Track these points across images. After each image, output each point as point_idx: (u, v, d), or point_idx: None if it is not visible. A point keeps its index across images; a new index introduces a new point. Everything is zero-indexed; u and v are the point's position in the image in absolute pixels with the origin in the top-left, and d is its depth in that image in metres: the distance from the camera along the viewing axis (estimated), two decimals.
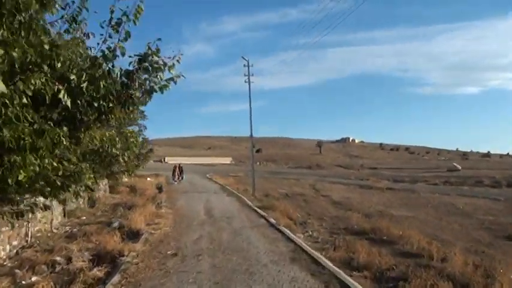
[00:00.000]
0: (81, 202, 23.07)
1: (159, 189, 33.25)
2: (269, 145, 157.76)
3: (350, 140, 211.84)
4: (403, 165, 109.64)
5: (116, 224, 17.70)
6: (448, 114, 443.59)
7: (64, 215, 20.02)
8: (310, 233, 15.60)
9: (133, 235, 15.16)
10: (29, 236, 15.41)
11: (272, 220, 17.37)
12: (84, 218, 20.45)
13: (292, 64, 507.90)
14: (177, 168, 38.97)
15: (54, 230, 16.96)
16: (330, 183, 44.56)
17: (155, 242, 13.46)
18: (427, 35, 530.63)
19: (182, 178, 39.11)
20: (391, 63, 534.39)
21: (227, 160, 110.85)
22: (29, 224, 15.39)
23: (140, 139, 31.44)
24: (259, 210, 20.76)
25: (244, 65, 31.30)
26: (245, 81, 31.33)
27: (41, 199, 9.21)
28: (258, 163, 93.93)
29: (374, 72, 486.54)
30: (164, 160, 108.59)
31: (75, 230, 17.26)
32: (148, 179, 44.98)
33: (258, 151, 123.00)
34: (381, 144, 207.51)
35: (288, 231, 14.89)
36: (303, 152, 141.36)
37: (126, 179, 44.64)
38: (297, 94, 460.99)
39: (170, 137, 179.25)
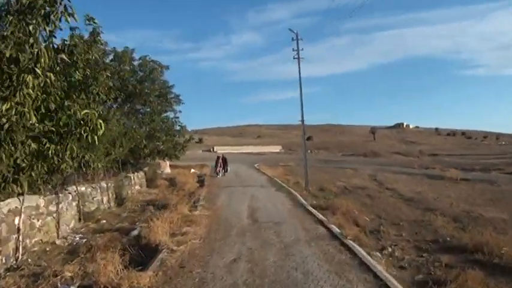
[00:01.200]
0: (104, 200, 19.56)
1: (201, 182, 29.55)
2: (320, 133, 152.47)
3: (404, 126, 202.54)
4: (465, 151, 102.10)
5: (135, 232, 13.96)
6: (503, 96, 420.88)
7: (80, 219, 16.48)
8: (390, 250, 11.13)
9: (148, 252, 11.29)
10: (20, 252, 11.84)
11: (334, 228, 13.02)
12: (104, 221, 16.84)
13: (341, 49, 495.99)
14: (220, 160, 34.56)
15: (57, 242, 13.34)
16: (392, 174, 39.47)
17: (173, 268, 9.45)
18: (479, 14, 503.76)
19: (226, 171, 35.20)
20: (443, 45, 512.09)
21: (276, 148, 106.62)
22: (20, 235, 11.82)
23: (177, 127, 27.84)
24: (315, 212, 16.44)
25: (293, 39, 26.86)
26: (294, 58, 26.89)
27: None
28: (309, 151, 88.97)
29: (426, 55, 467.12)
30: (213, 150, 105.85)
31: (84, 240, 13.60)
32: (193, 170, 41.50)
33: (308, 139, 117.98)
34: (436, 129, 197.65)
35: (360, 249, 10.48)
36: (356, 139, 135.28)
37: (168, 170, 41.52)
38: (347, 80, 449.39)
39: (220, 126, 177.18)
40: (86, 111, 10.13)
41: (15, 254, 11.59)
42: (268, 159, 64.78)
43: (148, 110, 25.47)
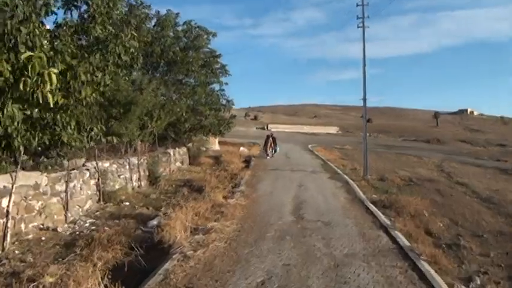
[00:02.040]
0: (134, 178, 17.32)
1: (247, 163, 26.94)
2: (380, 115, 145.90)
3: (468, 112, 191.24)
4: None
5: (154, 222, 11.51)
6: None
7: (99, 199, 14.25)
8: (479, 282, 7.91)
9: (158, 254, 8.79)
10: (8, 240, 9.67)
11: (401, 238, 9.86)
12: (127, 203, 14.56)
13: (405, 29, 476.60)
14: (270, 139, 30.58)
15: (60, 228, 11.06)
16: (460, 164, 35.12)
17: (178, 285, 6.84)
18: None
19: (275, 151, 31.26)
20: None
21: (333, 130, 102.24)
22: (8, 220, 9.61)
23: (223, 101, 25.18)
24: (375, 211, 13.30)
25: (358, 4, 23.29)
26: (358, 26, 23.38)
27: None
28: (368, 134, 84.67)
29: (494, 39, 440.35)
30: (267, 127, 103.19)
31: (92, 228, 11.28)
32: (242, 148, 38.98)
33: (368, 121, 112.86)
34: (501, 117, 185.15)
35: (440, 281, 7.35)
36: (418, 124, 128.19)
37: (216, 147, 39.20)
38: (409, 62, 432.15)
39: (276, 104, 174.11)
40: (28, 53, 7.45)
41: (3, 242, 9.44)
42: (323, 141, 61.23)
43: (192, 81, 23.01)
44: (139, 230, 11.00)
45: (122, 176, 16.42)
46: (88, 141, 11.09)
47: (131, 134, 17.80)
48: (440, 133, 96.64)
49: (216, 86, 25.05)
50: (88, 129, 10.96)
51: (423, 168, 30.23)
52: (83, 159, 14.43)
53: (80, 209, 12.86)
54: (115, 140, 17.26)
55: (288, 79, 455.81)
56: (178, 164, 24.49)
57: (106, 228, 10.78)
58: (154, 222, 11.46)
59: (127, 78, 17.82)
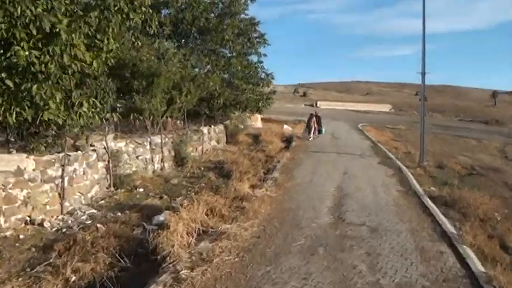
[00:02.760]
0: (156, 160, 15.40)
1: (288, 142, 24.54)
2: (435, 94, 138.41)
3: None
4: None
5: (160, 218, 9.44)
6: None
7: (110, 185, 12.38)
8: None
9: (148, 267, 6.76)
10: None
11: (474, 260, 7.23)
12: (141, 190, 12.62)
13: (462, 3, 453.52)
14: (313, 119, 26.80)
15: (46, 223, 9.16)
16: None
17: None
18: None
19: (320, 132, 27.29)
20: None
21: (385, 108, 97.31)
22: None
23: (262, 74, 22.73)
24: (436, 211, 10.57)
25: None
26: None
27: None
28: None
29: None
30: (316, 105, 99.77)
31: (86, 223, 9.35)
32: (286, 126, 36.47)
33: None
34: None
35: None
36: (474, 104, 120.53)
37: (259, 124, 36.95)
38: (466, 38, 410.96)
39: (327, 81, 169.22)
40: None
41: None
42: (375, 119, 57.62)
43: (227, 51, 20.68)
44: (140, 227, 8.96)
45: (140, 157, 14.48)
46: (77, 119, 9.08)
47: (155, 109, 15.83)
48: (499, 113, 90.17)
49: (254, 58, 22.76)
50: (77, 104, 8.92)
51: (484, 154, 26.82)
52: (94, 138, 12.56)
53: (82, 197, 10.99)
54: (131, 117, 15.41)
55: (340, 55, 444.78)
56: (213, 142, 22.44)
57: (98, 225, 8.79)
58: (161, 218, 9.37)
59: (149, 47, 15.77)
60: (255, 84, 22.08)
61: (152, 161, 15.14)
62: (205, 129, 21.09)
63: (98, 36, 10.03)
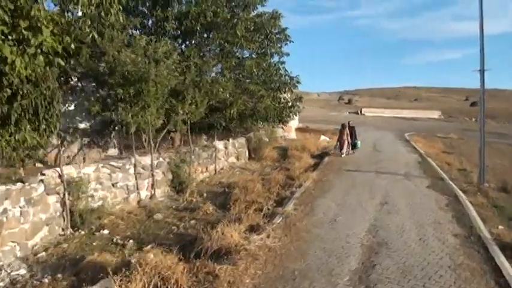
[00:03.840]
0: (144, 186, 12.29)
1: (320, 158, 20.83)
2: (487, 98, 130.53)
3: None
4: None
5: None
6: None
7: (68, 225, 9.30)
8: None
9: None
10: None
11: None
12: (106, 232, 9.41)
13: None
14: (346, 131, 21.60)
15: None
16: None
17: None
18: None
19: (354, 147, 22.40)
20: None
21: (435, 114, 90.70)
22: None
23: (285, 78, 19.10)
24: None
25: None
26: None
27: None
28: (473, 119, 73.70)
29: None
30: (361, 112, 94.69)
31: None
32: (323, 137, 32.69)
33: (473, 104, 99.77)
34: None
35: None
36: None
37: (292, 135, 33.31)
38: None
39: (373, 87, 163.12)
40: None
41: None
42: (423, 127, 52.54)
43: (242, 51, 17.13)
44: None
45: (119, 185, 11.32)
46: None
47: (144, 123, 12.70)
48: None
49: (275, 58, 18.88)
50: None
51: None
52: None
53: (18, 248, 7.96)
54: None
55: (387, 61, 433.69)
56: (232, 159, 19.09)
57: None
58: None
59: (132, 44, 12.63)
60: (275, 89, 18.45)
61: (137, 188, 11.94)
62: (220, 144, 17.78)
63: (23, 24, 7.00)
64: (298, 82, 18.73)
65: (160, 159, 13.09)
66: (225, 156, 18.39)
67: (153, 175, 12.49)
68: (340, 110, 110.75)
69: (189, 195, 13.01)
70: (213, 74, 15.46)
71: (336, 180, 14.98)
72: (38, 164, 15.23)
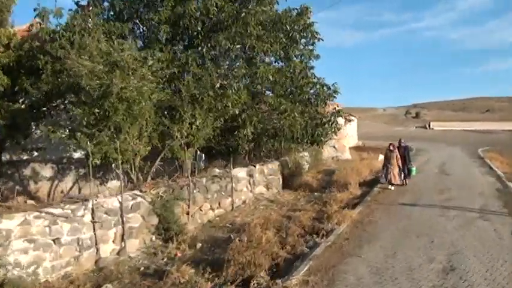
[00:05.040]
0: (110, 236, 8.86)
1: (371, 185, 16.39)
2: None
3: None
4: None
5: None
6: None
7: None
8: None
9: None
10: None
11: None
12: None
13: None
14: (395, 154, 15.82)
15: None
16: None
17: None
18: None
19: (409, 173, 16.45)
20: None
21: (510, 126, 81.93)
22: None
23: (315, 88, 14.93)
24: None
25: None
26: None
27: None
28: None
29: None
30: (429, 126, 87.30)
31: None
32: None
33: None
34: None
35: None
36: None
37: (347, 155, 28.88)
38: None
39: (441, 100, 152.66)
40: None
41: None
42: (498, 141, 45.57)
43: (263, 57, 13.16)
44: None
45: (64, 240, 7.92)
46: None
47: (113, 152, 9.42)
48: None
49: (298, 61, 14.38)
50: None
51: None
52: None
53: None
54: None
55: (454, 72, 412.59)
56: (259, 189, 15.34)
57: None
58: None
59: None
60: (304, 102, 14.35)
61: (96, 242, 8.48)
62: (241, 172, 14.08)
63: None
64: (335, 92, 14.43)
65: (139, 199, 9.58)
66: (249, 186, 14.65)
67: (123, 222, 8.99)
68: (406, 124, 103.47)
69: (177, 246, 9.43)
70: (218, 85, 11.76)
71: (382, 221, 10.62)
72: (29, 201, 12.48)
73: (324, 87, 14.32)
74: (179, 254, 9.00)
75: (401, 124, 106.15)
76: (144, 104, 9.61)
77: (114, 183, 13.86)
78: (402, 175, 16.10)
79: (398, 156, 15.85)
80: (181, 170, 13.64)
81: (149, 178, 11.15)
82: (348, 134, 40.43)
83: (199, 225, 11.38)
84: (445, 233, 9.32)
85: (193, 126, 11.31)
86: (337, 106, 29.29)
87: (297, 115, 12.90)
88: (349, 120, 41.45)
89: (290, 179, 17.10)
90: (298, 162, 17.60)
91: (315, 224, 10.29)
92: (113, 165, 10.49)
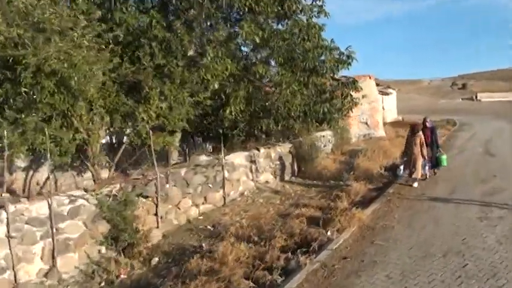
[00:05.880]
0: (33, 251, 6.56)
1: (389, 176, 13.39)
2: None
3: None
4: None
5: None
6: None
7: None
8: None
9: None
10: None
11: None
12: None
13: None
14: (419, 138, 11.86)
15: None
16: None
17: None
18: None
19: (438, 164, 12.57)
20: None
21: None
22: None
23: (326, 54, 12.00)
24: None
25: None
26: None
27: None
28: None
29: None
30: (476, 97, 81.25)
31: None
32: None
33: None
34: None
35: None
36: None
37: (380, 132, 25.81)
38: None
39: (490, 70, 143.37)
40: None
41: None
42: None
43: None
44: None
45: None
46: None
47: (37, 142, 7.32)
48: None
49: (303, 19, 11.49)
50: None
51: None
52: None
53: None
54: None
55: (505, 41, 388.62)
56: (265, 176, 12.98)
57: None
58: None
59: None
60: (309, 72, 11.26)
61: (13, 262, 6.43)
62: (239, 158, 11.74)
63: None
64: (349, 58, 11.42)
65: (79, 201, 7.43)
66: (250, 174, 12.28)
67: (53, 233, 6.89)
68: (452, 96, 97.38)
69: (126, 262, 7.28)
70: (192, 52, 9.25)
71: (400, 227, 7.94)
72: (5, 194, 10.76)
73: (332, 52, 11.29)
74: (123, 275, 6.86)
75: (446, 96, 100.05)
76: (84, 79, 7.35)
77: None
78: (429, 165, 12.33)
79: (423, 140, 11.85)
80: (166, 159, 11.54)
81: (111, 171, 9.02)
82: (386, 108, 37.17)
83: (174, 227, 9.18)
84: (484, 249, 6.63)
85: (163, 105, 9.02)
86: (370, 78, 26.21)
87: (296, 88, 10.18)
88: (386, 94, 38.04)
89: (304, 164, 14.61)
90: (314, 143, 14.99)
91: (310, 231, 7.81)
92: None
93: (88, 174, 12.44)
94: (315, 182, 13.23)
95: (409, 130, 12.47)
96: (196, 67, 9.07)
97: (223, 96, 9.56)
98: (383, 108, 35.45)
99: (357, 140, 22.58)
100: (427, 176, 12.29)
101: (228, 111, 9.43)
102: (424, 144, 11.82)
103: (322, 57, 11.18)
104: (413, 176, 11.68)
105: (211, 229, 9.00)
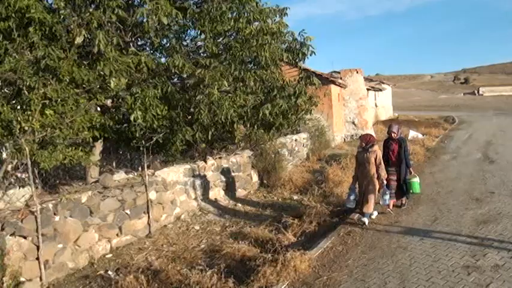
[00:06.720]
0: None
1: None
2: None
3: None
4: None
5: None
6: None
7: None
8: None
9: None
10: None
11: None
12: None
13: None
14: (374, 154, 8.11)
15: None
16: None
17: None
18: None
19: (405, 192, 8.98)
20: None
21: None
22: None
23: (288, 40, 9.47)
24: None
25: None
26: None
27: None
28: None
29: None
30: (478, 92, 78.30)
31: None
32: (413, 132, 22.41)
33: None
34: None
35: None
36: None
37: (370, 131, 23.47)
38: None
39: (493, 64, 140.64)
40: None
41: None
42: None
43: None
44: None
45: None
46: None
47: None
48: None
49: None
50: None
51: None
52: None
53: None
54: None
55: (509, 33, 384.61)
56: (214, 193, 10.72)
57: None
58: None
59: None
60: (250, 64, 8.92)
61: None
62: (173, 173, 9.44)
63: None
64: (303, 47, 8.91)
65: None
66: (191, 192, 9.98)
67: None
68: (453, 91, 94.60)
69: None
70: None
71: (350, 285, 5.66)
72: None
73: (274, 36, 8.79)
74: None
75: (447, 91, 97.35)
76: None
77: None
78: (388, 194, 8.37)
79: (380, 158, 8.32)
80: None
81: None
82: (379, 106, 34.82)
83: (68, 274, 6.91)
84: None
85: (49, 112, 6.76)
86: (357, 72, 23.84)
87: (227, 86, 7.75)
88: (379, 90, 35.61)
89: (266, 176, 12.34)
90: (277, 153, 12.66)
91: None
92: None
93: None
94: (274, 199, 10.98)
95: (360, 144, 8.72)
96: (92, 60, 6.78)
97: (129, 98, 7.21)
98: (376, 105, 33.16)
99: (341, 142, 20.30)
100: (391, 206, 8.92)
101: (133, 117, 7.08)
102: (382, 163, 8.27)
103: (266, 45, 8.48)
104: (364, 210, 8.12)
105: (112, 276, 6.74)
